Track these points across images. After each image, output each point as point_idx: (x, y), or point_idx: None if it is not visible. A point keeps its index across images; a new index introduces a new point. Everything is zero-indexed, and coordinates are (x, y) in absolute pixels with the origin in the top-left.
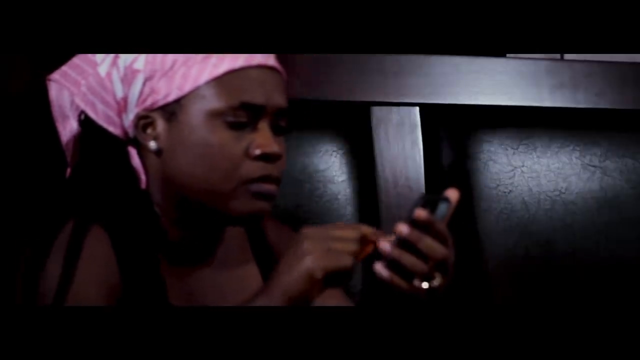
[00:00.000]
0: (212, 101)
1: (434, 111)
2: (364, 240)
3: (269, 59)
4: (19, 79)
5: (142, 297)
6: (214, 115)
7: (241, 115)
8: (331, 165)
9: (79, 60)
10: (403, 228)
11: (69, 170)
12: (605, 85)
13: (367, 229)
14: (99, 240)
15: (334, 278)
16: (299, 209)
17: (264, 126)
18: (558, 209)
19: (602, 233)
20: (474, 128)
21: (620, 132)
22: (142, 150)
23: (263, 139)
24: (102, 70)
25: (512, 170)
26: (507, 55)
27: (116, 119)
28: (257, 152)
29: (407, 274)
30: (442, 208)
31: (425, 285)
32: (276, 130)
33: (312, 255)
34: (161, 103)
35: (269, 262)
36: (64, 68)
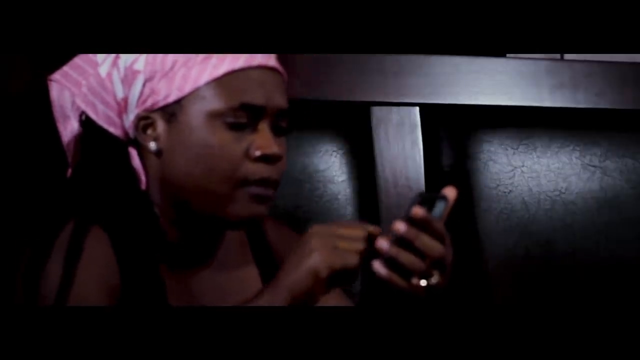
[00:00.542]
0: (212, 102)
1: (434, 111)
2: (370, 239)
3: (270, 60)
4: (19, 79)
5: (141, 298)
6: (214, 116)
7: (241, 116)
8: (331, 165)
9: (80, 60)
10: (400, 226)
11: (69, 170)
12: (605, 85)
13: (373, 228)
14: (99, 241)
15: (340, 277)
16: (299, 209)
17: (264, 127)
18: (558, 209)
19: (602, 233)
20: (474, 128)
21: (620, 132)
22: (142, 151)
23: (263, 140)
24: (103, 70)
25: (512, 170)
26: (507, 55)
27: (116, 119)
28: (258, 153)
29: (405, 272)
30: (440, 206)
31: (423, 283)
32: (277, 131)
33: (318, 252)
34: (161, 104)
35: (268, 262)
36: (65, 68)
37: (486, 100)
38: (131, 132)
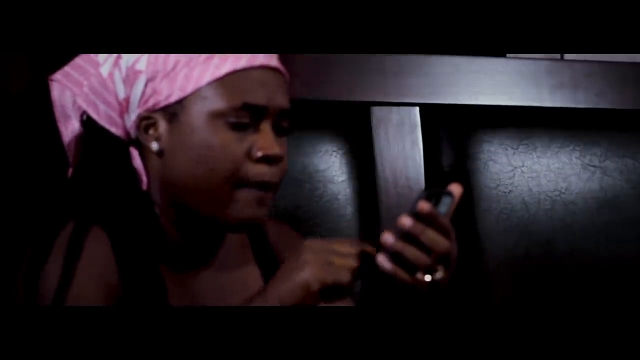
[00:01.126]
0: (214, 102)
1: (434, 111)
2: (364, 257)
3: (272, 60)
4: (19, 79)
5: (141, 297)
6: (216, 116)
7: (243, 116)
8: (331, 165)
9: (81, 60)
10: (406, 220)
11: (70, 170)
12: (605, 85)
13: (369, 248)
14: (99, 241)
15: (331, 292)
16: (299, 209)
17: (266, 127)
18: (558, 209)
19: (602, 233)
20: (474, 128)
21: (620, 132)
22: (143, 151)
23: (265, 141)
24: (104, 70)
25: (512, 170)
26: (507, 55)
27: (118, 119)
28: (259, 154)
29: (410, 266)
30: (445, 202)
31: (427, 278)
32: (278, 131)
33: (310, 266)
34: (163, 104)
35: (269, 262)
36: (67, 68)
37: (486, 100)
38: (132, 132)
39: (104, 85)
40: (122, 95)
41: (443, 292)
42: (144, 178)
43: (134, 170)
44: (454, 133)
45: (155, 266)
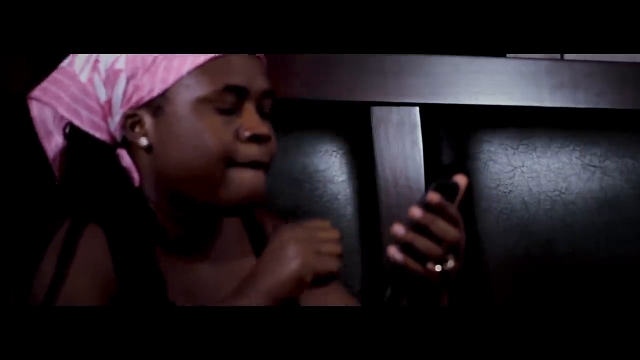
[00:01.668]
0: (197, 89)
1: (434, 111)
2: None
3: None
4: (19, 79)
5: (140, 293)
6: (201, 102)
7: (227, 99)
8: (331, 165)
9: (58, 74)
10: (416, 211)
11: (57, 183)
12: (605, 85)
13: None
14: (94, 238)
15: (321, 280)
16: (299, 209)
17: (249, 108)
18: (558, 209)
19: (602, 233)
20: (474, 128)
21: (620, 132)
22: (132, 149)
23: (251, 121)
24: (83, 77)
25: (512, 170)
26: (507, 55)
27: (102, 123)
28: (247, 134)
29: (421, 257)
30: (453, 193)
31: (438, 268)
32: (262, 114)
33: (301, 258)
34: (147, 99)
35: None
36: (44, 84)
37: (486, 100)
38: (118, 134)
39: (85, 92)
40: (103, 98)
41: (453, 283)
42: (135, 176)
43: (123, 171)
44: (454, 133)
45: (153, 260)
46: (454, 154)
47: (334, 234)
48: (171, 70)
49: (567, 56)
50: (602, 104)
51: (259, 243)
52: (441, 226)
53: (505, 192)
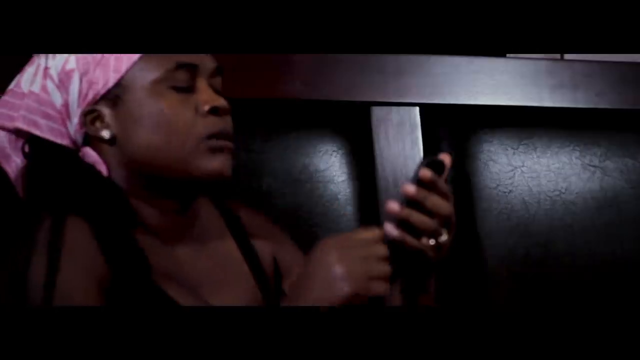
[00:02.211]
0: (151, 71)
1: (434, 111)
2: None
3: None
4: None
5: (130, 278)
6: (157, 83)
7: (180, 76)
8: (331, 165)
9: (7, 97)
10: (410, 188)
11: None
12: (605, 85)
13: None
14: (79, 230)
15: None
16: (299, 209)
17: (202, 84)
18: (558, 209)
19: (602, 233)
20: (474, 128)
21: (620, 132)
22: (95, 145)
23: (207, 95)
24: (35, 87)
25: (512, 170)
26: (507, 55)
27: (62, 129)
28: (206, 107)
29: (416, 231)
30: (440, 169)
31: (432, 242)
32: (215, 91)
33: (352, 282)
34: (102, 92)
35: (243, 237)
36: None
37: (486, 100)
38: (79, 135)
39: (39, 101)
40: (59, 102)
41: (444, 258)
42: (103, 169)
43: (91, 167)
44: (454, 133)
45: (136, 245)
46: (454, 154)
47: (383, 251)
48: (122, 59)
49: (567, 56)
50: (602, 104)
51: (234, 227)
52: (434, 201)
53: (505, 192)
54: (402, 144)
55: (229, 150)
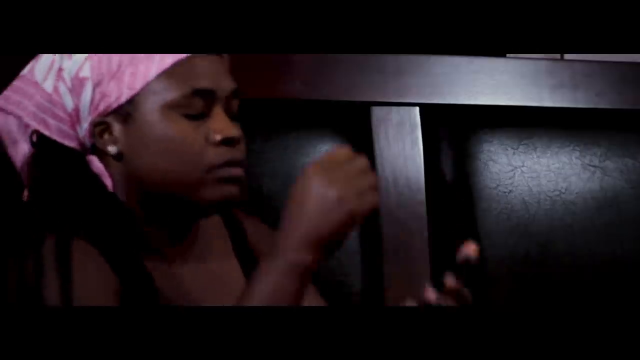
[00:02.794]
0: (165, 94)
1: (434, 111)
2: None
3: None
4: None
5: (137, 296)
6: (169, 107)
7: (195, 103)
8: None
9: (20, 82)
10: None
11: (25, 192)
12: (605, 85)
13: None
14: (87, 254)
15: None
16: None
17: (218, 111)
18: (558, 209)
19: (602, 233)
20: (474, 128)
21: (620, 132)
22: (102, 156)
23: (221, 124)
24: (48, 86)
25: (512, 170)
26: (507, 55)
27: (70, 131)
28: (218, 137)
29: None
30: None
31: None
32: (231, 116)
33: (345, 202)
34: (114, 106)
35: (246, 254)
36: (6, 92)
37: (486, 100)
38: (87, 141)
39: (51, 101)
40: (70, 106)
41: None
42: (108, 182)
43: (96, 177)
44: (454, 133)
45: (143, 267)
46: (454, 154)
47: (363, 163)
48: (138, 75)
49: (567, 56)
50: (602, 104)
51: (240, 242)
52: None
53: (505, 192)
54: (402, 144)
55: (240, 178)
